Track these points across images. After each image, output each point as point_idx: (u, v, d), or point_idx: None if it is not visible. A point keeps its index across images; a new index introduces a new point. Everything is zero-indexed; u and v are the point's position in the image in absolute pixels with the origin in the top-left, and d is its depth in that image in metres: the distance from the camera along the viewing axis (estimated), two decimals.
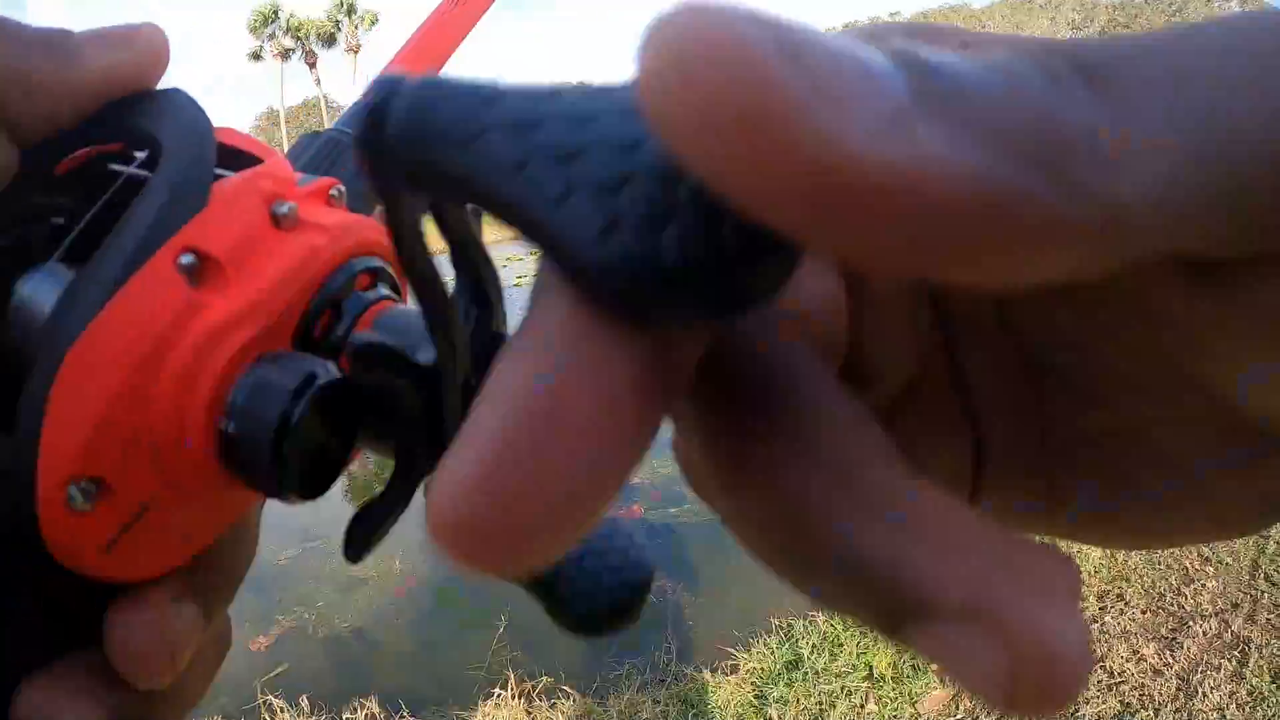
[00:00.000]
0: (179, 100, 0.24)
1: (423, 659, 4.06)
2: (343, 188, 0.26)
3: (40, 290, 0.21)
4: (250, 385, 0.21)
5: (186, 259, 0.20)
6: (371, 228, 0.25)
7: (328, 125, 0.35)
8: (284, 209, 0.22)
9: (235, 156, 0.25)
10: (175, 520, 0.22)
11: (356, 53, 42.79)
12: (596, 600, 0.25)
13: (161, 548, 0.22)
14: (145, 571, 0.22)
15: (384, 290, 0.25)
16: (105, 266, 0.19)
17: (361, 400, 0.22)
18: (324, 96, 44.65)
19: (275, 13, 41.05)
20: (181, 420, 0.20)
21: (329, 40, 41.77)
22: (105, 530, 0.20)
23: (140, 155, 0.24)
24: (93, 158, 0.24)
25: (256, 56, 42.24)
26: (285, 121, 43.68)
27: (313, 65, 42.05)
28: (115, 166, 0.24)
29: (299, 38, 41.07)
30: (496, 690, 3.37)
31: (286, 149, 0.31)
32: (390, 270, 0.26)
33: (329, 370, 0.21)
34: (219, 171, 0.22)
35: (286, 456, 0.20)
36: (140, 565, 0.22)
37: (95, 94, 0.23)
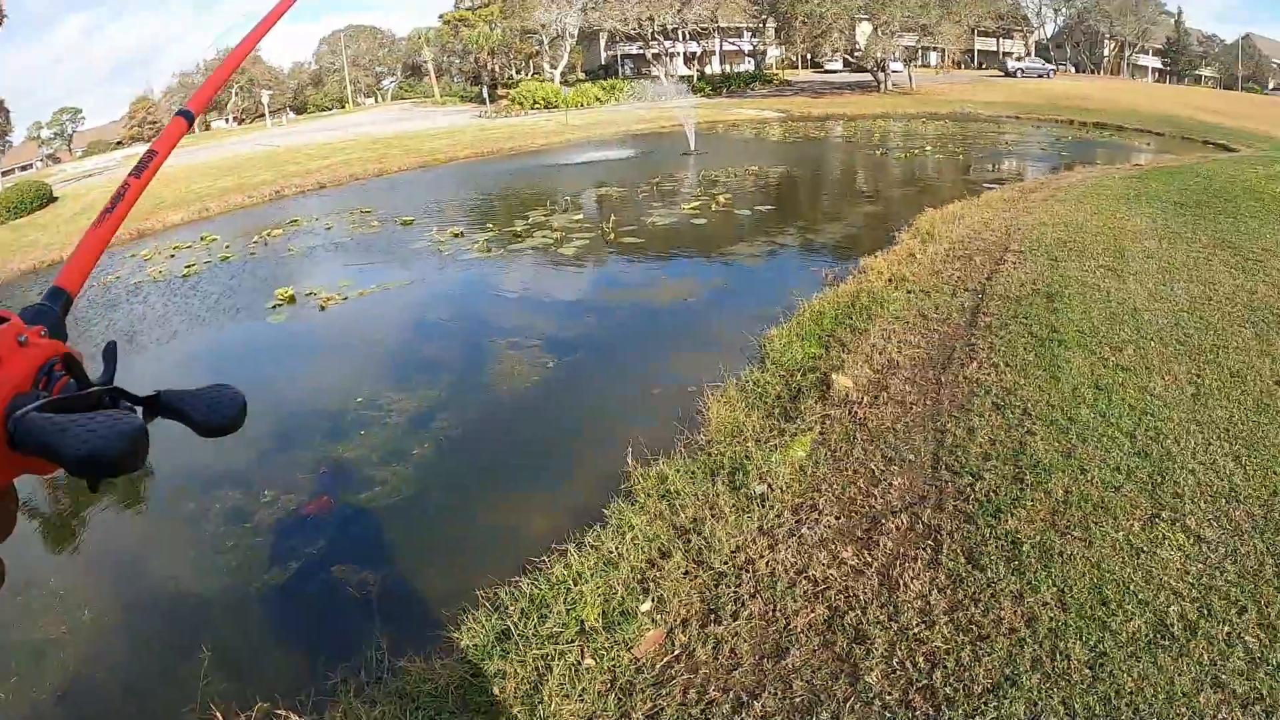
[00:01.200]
0: None
1: (128, 708, 4.55)
2: (44, 329, 0.88)
3: None
4: (13, 405, 0.74)
5: None
6: (57, 348, 0.85)
7: None
8: (22, 338, 0.82)
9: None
10: None
11: None
12: (217, 418, 0.91)
13: None
14: None
15: (64, 372, 0.85)
16: None
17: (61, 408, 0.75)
18: None
19: None
20: None
21: None
22: None
23: None
24: None
25: None
26: None
27: None
28: None
29: None
30: None
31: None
32: (71, 360, 0.86)
33: (44, 396, 0.77)
34: None
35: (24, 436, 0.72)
36: None
37: None
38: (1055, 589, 3.96)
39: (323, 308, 11.94)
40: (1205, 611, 3.75)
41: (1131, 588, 3.93)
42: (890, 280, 9.63)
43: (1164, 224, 11.98)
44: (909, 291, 9.07)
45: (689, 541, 4.74)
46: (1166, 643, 3.57)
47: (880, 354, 7.22)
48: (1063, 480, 4.89)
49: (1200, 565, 4.08)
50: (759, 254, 13.67)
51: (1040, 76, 64.97)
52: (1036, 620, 3.77)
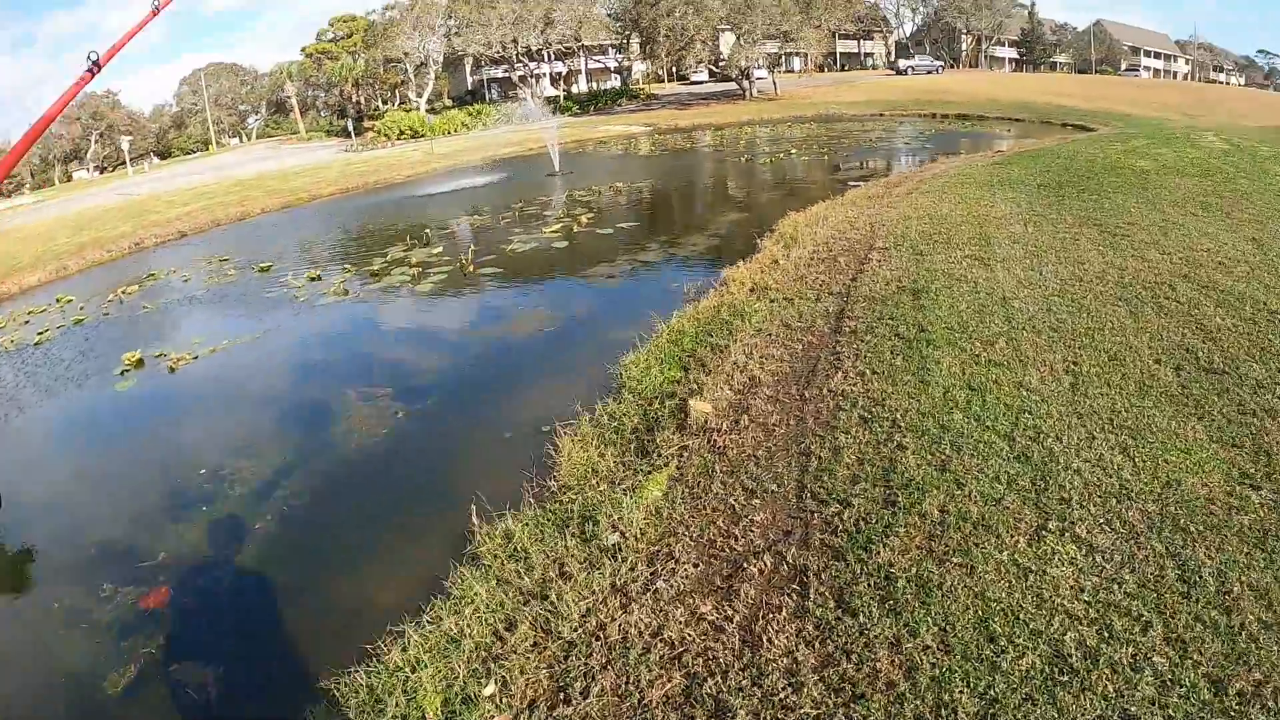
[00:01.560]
0: None
1: None
2: None
3: None
4: None
5: None
6: None
7: None
8: None
9: None
10: None
11: None
12: None
13: None
14: None
15: None
16: None
17: None
18: None
19: None
20: None
21: None
22: None
23: None
24: None
25: None
26: None
27: None
28: None
29: None
30: None
31: None
32: None
33: None
34: None
35: None
36: None
37: None
38: (936, 629, 3.61)
39: (172, 370, 11.43)
40: (1106, 634, 3.47)
41: (1021, 617, 3.61)
42: (753, 290, 9.32)
43: (1029, 207, 12.09)
44: (772, 301, 8.76)
45: (537, 608, 4.34)
46: (1065, 677, 3.28)
47: (742, 372, 6.84)
48: (938, 498, 4.55)
49: (1095, 579, 3.81)
50: (621, 274, 13.45)
51: (929, 73, 69.80)
52: (917, 669, 3.41)
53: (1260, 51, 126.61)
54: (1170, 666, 3.26)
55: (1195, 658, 3.29)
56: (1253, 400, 5.41)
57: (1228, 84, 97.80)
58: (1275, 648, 3.32)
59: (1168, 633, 3.43)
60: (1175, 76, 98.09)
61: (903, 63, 73.92)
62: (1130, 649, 3.35)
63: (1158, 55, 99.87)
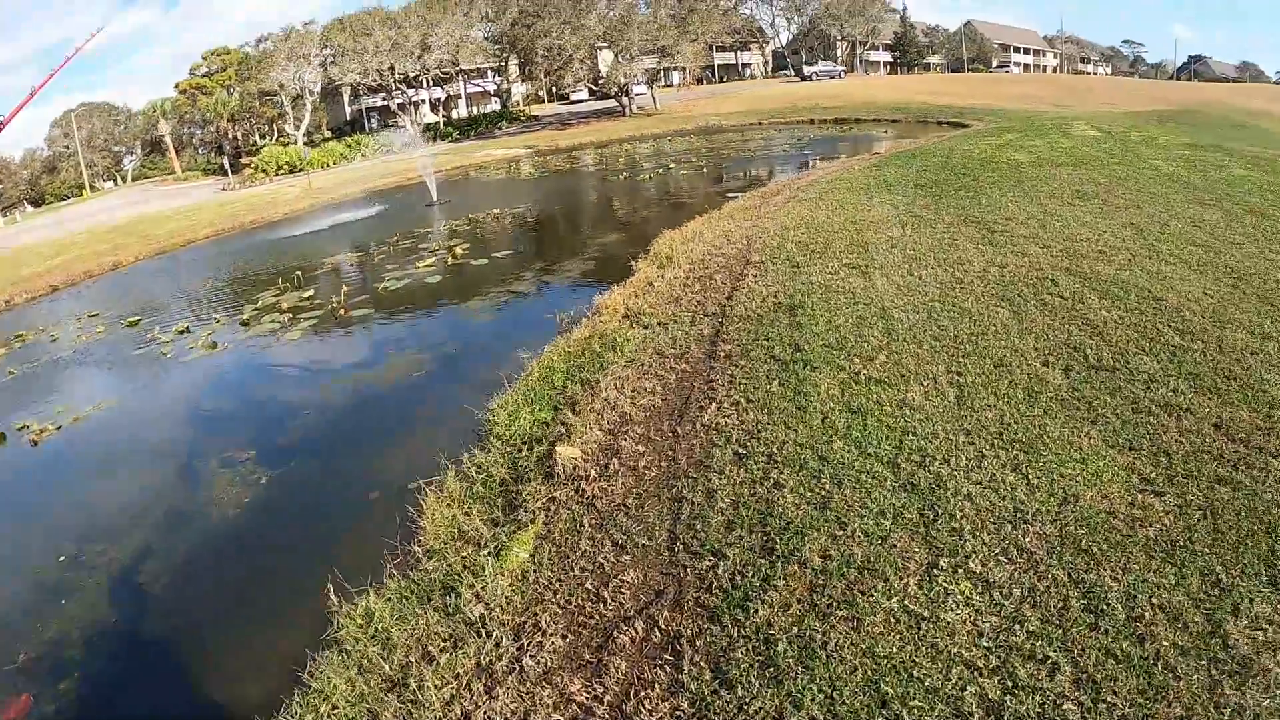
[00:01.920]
0: None
1: None
2: None
3: None
4: None
5: None
6: None
7: None
8: None
9: None
10: None
11: None
12: None
13: None
14: None
15: None
16: None
17: None
18: None
19: None
20: None
21: None
22: None
23: None
24: None
25: None
26: None
27: None
28: None
29: None
30: None
31: None
32: None
33: None
34: None
35: None
36: None
37: None
38: (822, 696, 3.28)
39: (35, 443, 10.82)
40: (1009, 684, 3.19)
41: (915, 673, 3.30)
42: (626, 316, 8.98)
43: (906, 209, 12.08)
44: (645, 327, 8.45)
45: (399, 698, 3.95)
46: None
47: (612, 409, 6.48)
48: (819, 541, 4.23)
49: (994, 620, 3.54)
50: (493, 307, 13.13)
51: (832, 78, 73.52)
52: None
53: (1125, 41, 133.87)
54: (1082, 713, 3.01)
55: (1109, 700, 3.05)
56: (1146, 396, 5.29)
57: (1095, 74, 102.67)
58: (1195, 676, 3.11)
59: (1077, 674, 3.18)
60: (1045, 70, 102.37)
61: (808, 69, 77.57)
62: (1037, 698, 3.09)
63: (1027, 51, 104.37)
